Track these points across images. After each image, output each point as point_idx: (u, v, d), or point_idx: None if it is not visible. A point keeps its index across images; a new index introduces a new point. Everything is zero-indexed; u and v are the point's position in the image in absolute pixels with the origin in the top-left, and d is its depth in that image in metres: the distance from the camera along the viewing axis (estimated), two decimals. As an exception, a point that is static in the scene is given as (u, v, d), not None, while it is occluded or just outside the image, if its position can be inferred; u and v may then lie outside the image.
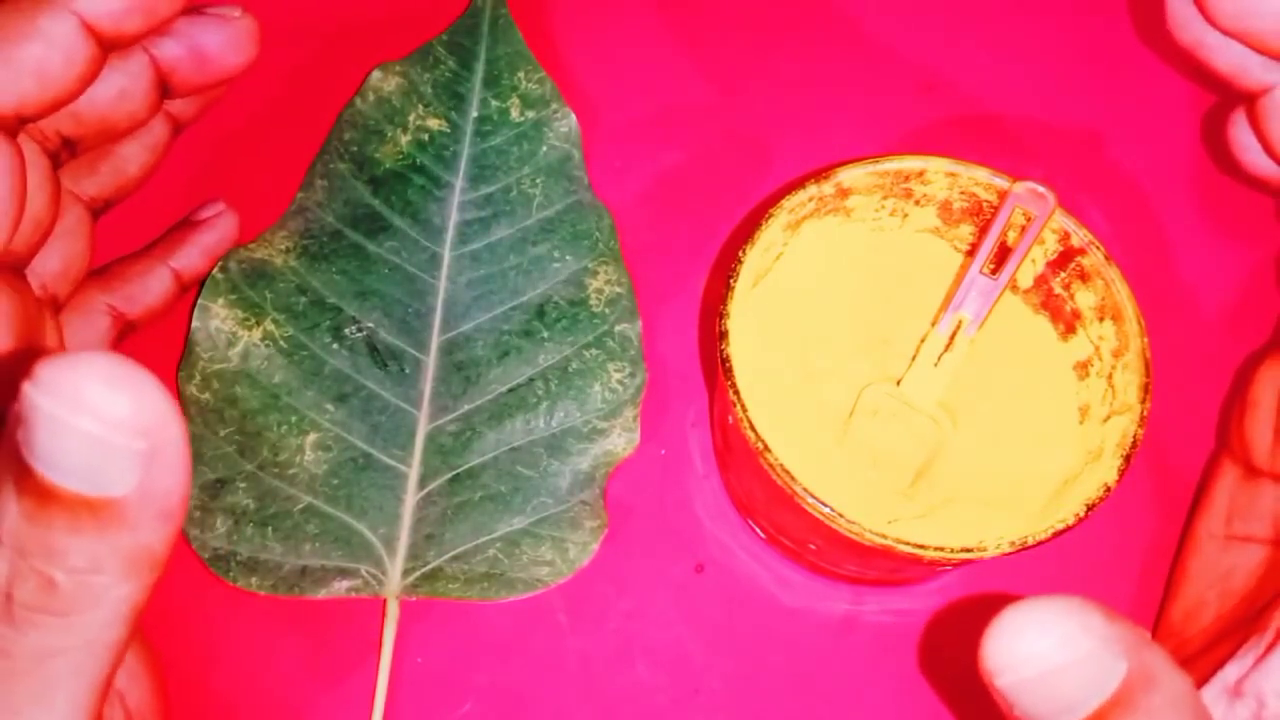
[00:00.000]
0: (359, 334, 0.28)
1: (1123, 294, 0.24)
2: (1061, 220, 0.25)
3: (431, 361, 0.28)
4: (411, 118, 0.30)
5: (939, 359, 0.25)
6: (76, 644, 0.16)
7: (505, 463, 0.27)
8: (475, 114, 0.30)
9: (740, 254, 0.24)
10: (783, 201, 0.25)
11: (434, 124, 0.30)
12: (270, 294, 0.28)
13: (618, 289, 0.29)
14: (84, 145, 0.24)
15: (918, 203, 0.26)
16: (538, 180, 0.30)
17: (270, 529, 0.26)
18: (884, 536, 0.21)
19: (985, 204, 0.25)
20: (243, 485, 0.26)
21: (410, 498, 0.27)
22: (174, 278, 0.28)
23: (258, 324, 0.27)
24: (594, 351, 0.28)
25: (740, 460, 0.25)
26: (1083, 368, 0.25)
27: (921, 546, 0.21)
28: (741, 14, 0.34)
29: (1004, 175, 0.25)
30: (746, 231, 0.25)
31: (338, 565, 0.26)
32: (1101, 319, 0.25)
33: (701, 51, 0.33)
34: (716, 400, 0.27)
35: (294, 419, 0.27)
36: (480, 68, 0.31)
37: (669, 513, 0.28)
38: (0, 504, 0.15)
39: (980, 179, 0.25)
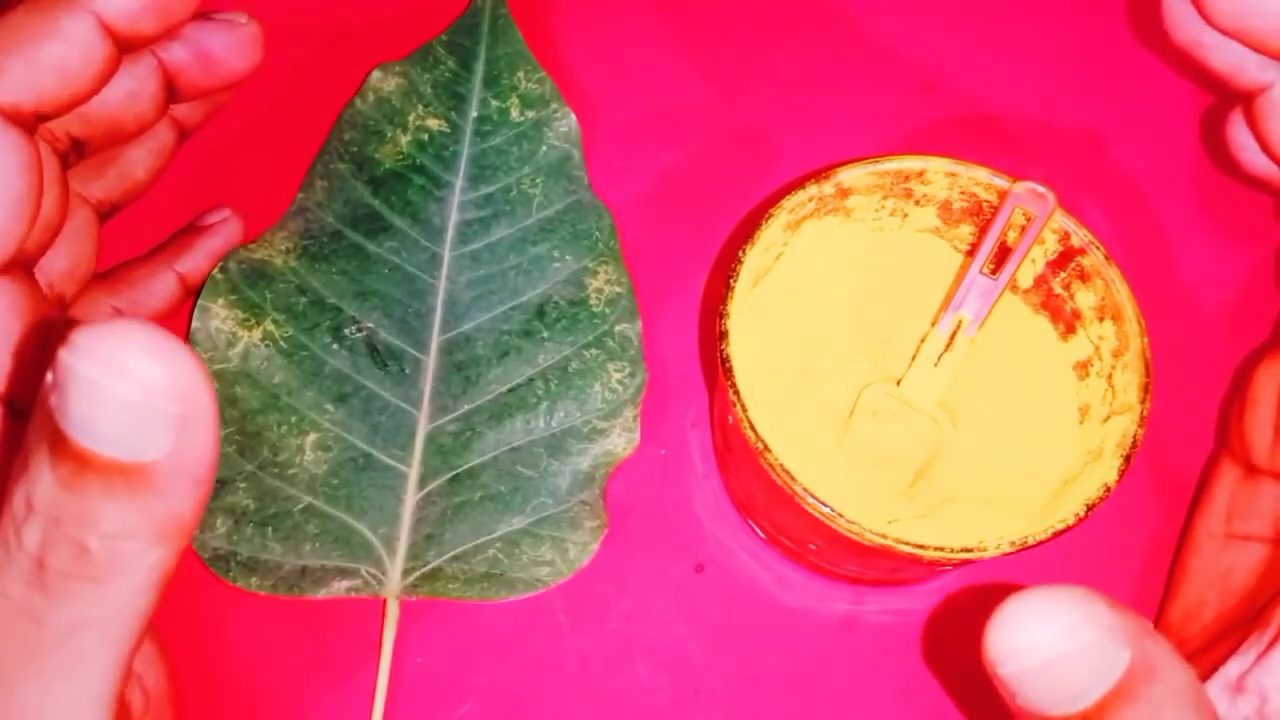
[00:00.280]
0: (359, 334, 0.28)
1: (1123, 294, 0.24)
2: (1061, 220, 0.25)
3: (431, 361, 0.28)
4: (411, 118, 0.30)
5: (939, 359, 0.25)
6: (108, 613, 0.16)
7: (505, 463, 0.27)
8: (475, 114, 0.30)
9: (740, 254, 0.24)
10: (783, 201, 0.25)
11: (434, 124, 0.30)
12: (270, 294, 0.28)
13: (618, 289, 0.29)
14: (92, 147, 0.24)
15: (918, 203, 0.26)
16: (538, 180, 0.30)
17: (270, 529, 0.26)
18: (884, 536, 0.21)
19: (985, 204, 0.25)
20: (243, 485, 0.26)
21: (410, 498, 0.27)
22: (179, 281, 0.28)
23: (258, 324, 0.27)
24: (594, 351, 0.28)
25: (740, 460, 0.25)
26: (1083, 368, 0.25)
27: (921, 546, 0.21)
28: (741, 14, 0.34)
29: (1004, 175, 0.25)
30: (746, 231, 0.25)
31: (338, 565, 0.26)
32: (1101, 319, 0.25)
33: (701, 51, 0.33)
34: (716, 400, 0.27)
35: (294, 419, 0.27)
36: (480, 68, 0.31)
37: (669, 513, 0.28)
38: (34, 473, 0.16)
39: (980, 179, 0.25)
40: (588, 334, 0.28)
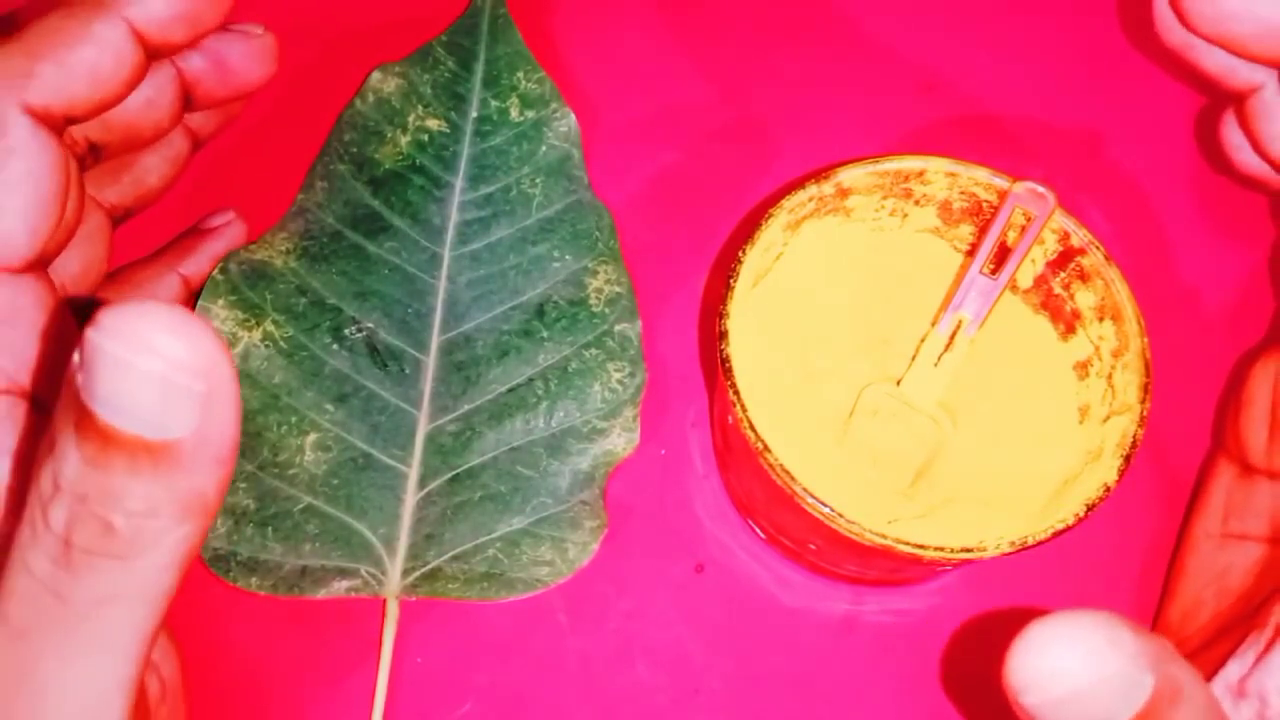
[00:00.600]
0: (359, 334, 0.28)
1: (1122, 294, 0.24)
2: (1061, 220, 0.25)
3: (431, 361, 0.28)
4: (411, 118, 0.30)
5: (939, 359, 0.25)
6: (131, 590, 0.16)
7: (505, 463, 0.27)
8: (475, 114, 0.30)
9: (740, 254, 0.24)
10: (783, 201, 0.25)
11: (434, 124, 0.30)
12: (270, 295, 0.28)
13: (617, 289, 0.29)
14: (109, 152, 0.24)
15: (918, 203, 0.26)
16: (537, 180, 0.30)
17: (270, 529, 0.26)
18: (884, 536, 0.21)
19: (985, 204, 0.25)
20: (243, 485, 0.26)
21: (410, 498, 0.27)
22: (182, 284, 0.28)
23: (258, 325, 0.27)
24: (594, 351, 0.28)
25: (740, 460, 0.25)
26: (1082, 368, 0.25)
27: (921, 546, 0.21)
28: (741, 14, 0.34)
29: (1004, 175, 0.25)
30: (746, 231, 0.25)
31: (337, 565, 0.26)
32: (1101, 319, 0.25)
33: (701, 51, 0.33)
34: (716, 400, 0.27)
35: (294, 419, 0.27)
36: (480, 68, 0.31)
37: (669, 513, 0.28)
38: (60, 452, 0.16)
39: (980, 179, 0.25)
40: (587, 334, 0.28)
